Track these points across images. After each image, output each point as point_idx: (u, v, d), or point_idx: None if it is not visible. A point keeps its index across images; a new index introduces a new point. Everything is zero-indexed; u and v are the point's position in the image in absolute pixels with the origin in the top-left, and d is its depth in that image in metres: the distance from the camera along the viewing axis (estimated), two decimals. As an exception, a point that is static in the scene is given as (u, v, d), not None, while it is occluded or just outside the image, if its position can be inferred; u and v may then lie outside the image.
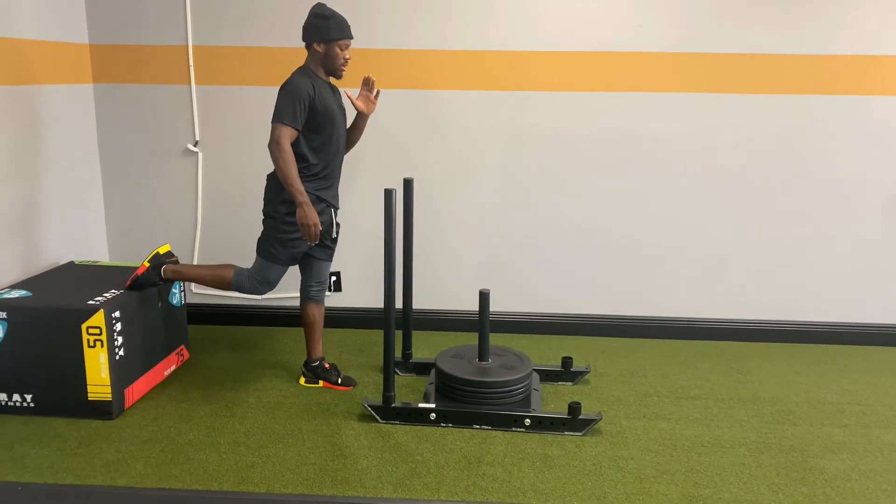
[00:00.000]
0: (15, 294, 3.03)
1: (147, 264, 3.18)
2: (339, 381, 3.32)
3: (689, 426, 2.99)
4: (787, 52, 3.68)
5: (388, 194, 2.83)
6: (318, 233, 2.97)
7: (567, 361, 3.41)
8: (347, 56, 3.03)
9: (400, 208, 3.27)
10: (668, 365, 3.64)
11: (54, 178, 3.61)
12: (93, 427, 2.91)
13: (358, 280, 4.07)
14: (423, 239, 3.83)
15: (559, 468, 2.65)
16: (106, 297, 3.01)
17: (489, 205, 3.94)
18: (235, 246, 4.00)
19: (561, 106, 3.80)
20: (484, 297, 3.10)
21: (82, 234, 3.88)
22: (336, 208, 3.21)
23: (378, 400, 3.02)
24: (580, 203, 3.91)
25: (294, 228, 3.00)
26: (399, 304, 3.29)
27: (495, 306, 3.41)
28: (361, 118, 3.21)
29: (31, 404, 2.98)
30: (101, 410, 2.96)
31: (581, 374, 3.43)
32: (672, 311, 4.01)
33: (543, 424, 2.93)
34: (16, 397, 2.98)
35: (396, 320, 3.06)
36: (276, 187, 3.03)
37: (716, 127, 3.79)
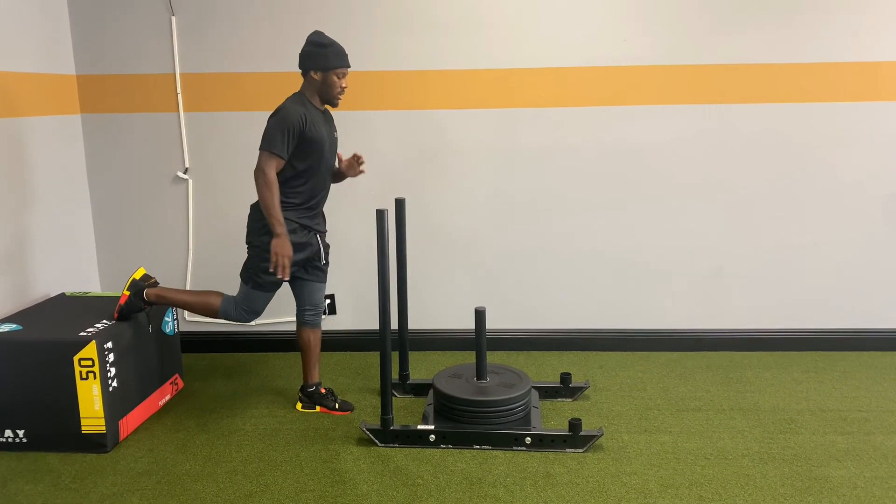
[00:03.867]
0: (5, 328, 2.99)
1: (127, 292, 3.14)
2: (337, 405, 3.28)
3: (691, 439, 2.96)
4: (773, 62, 3.70)
5: (380, 214, 2.81)
6: (288, 265, 2.93)
7: (566, 377, 3.38)
8: (344, 84, 3.03)
9: (392, 228, 3.25)
10: (667, 377, 3.62)
11: (44, 209, 3.58)
12: (87, 461, 2.86)
13: (353, 303, 4.05)
14: (417, 258, 3.81)
15: (562, 486, 2.62)
16: (98, 327, 2.98)
17: (481, 222, 3.94)
18: (228, 272, 3.97)
19: (550, 122, 3.81)
20: (480, 314, 3.07)
21: (73, 265, 3.84)
22: (323, 232, 3.19)
23: (376, 423, 2.98)
24: (572, 218, 3.91)
25: None
26: (395, 324, 3.27)
27: (491, 324, 3.39)
28: (343, 176, 3.26)
29: (24, 440, 2.93)
30: (96, 443, 2.92)
31: (580, 389, 3.41)
32: (670, 323, 4.00)
33: (544, 442, 2.90)
34: (7, 433, 2.93)
35: (392, 341, 3.03)
36: (259, 216, 3.00)
37: (704, 137, 3.80)
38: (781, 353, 3.92)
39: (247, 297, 3.10)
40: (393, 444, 2.94)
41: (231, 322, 3.27)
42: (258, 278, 3.05)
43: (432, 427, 2.95)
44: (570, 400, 3.38)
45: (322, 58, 2.95)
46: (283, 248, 2.90)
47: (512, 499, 2.54)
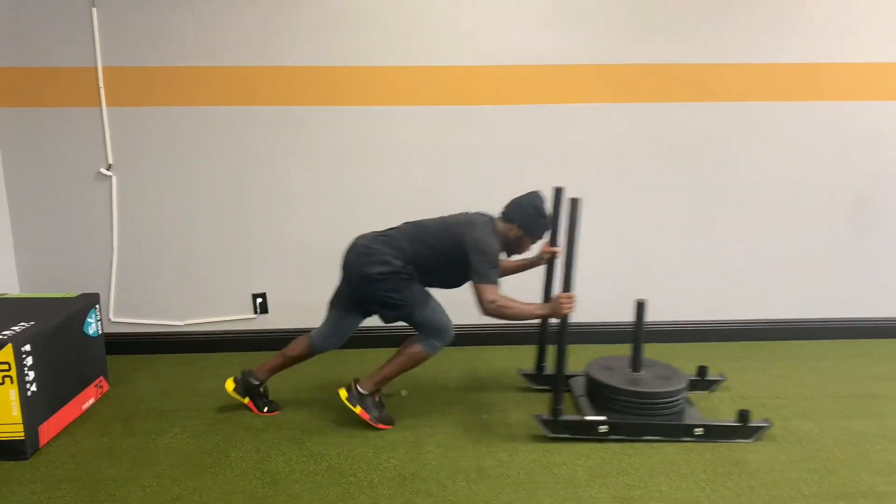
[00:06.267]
0: (-87, 332, 2.85)
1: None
2: (266, 409, 3.24)
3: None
4: (702, 62, 3.83)
5: (574, 203, 2.82)
6: (572, 300, 2.88)
7: (702, 370, 3.44)
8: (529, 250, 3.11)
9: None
10: None
11: (-45, 207, 3.42)
12: (4, 469, 2.74)
13: (285, 301, 4.00)
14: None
15: (493, 479, 2.65)
16: (15, 330, 2.86)
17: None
18: (155, 270, 3.89)
19: (479, 118, 3.85)
20: (640, 306, 3.08)
21: (-12, 266, 3.68)
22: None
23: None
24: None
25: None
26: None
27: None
28: (533, 264, 3.32)
29: (-65, 449, 2.80)
30: (14, 450, 2.80)
31: (717, 382, 3.46)
32: (601, 317, 4.09)
33: (714, 433, 2.92)
34: (-83, 442, 2.79)
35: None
36: (401, 286, 2.98)
37: (635, 135, 3.91)
38: (709, 345, 4.09)
39: (431, 321, 3.03)
40: (562, 435, 2.93)
41: (436, 349, 3.08)
42: (417, 299, 3.01)
43: (603, 418, 2.93)
44: (707, 392, 3.41)
45: (538, 227, 3.06)
46: (562, 307, 2.87)
47: (444, 493, 2.56)
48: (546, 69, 3.80)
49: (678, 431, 2.94)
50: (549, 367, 3.46)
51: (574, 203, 2.82)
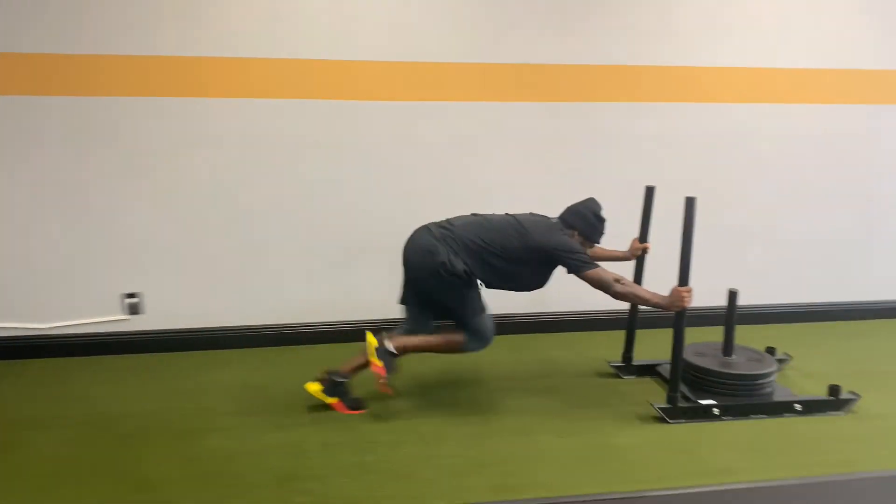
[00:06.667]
0: None
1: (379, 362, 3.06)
2: (353, 407, 3.19)
3: (502, 419, 3.12)
4: (554, 63, 3.96)
5: (689, 202, 2.98)
6: (691, 293, 3.00)
7: (771, 350, 3.70)
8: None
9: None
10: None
11: None
12: None
13: (157, 302, 3.86)
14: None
15: (375, 474, 2.66)
16: None
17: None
18: (18, 272, 3.66)
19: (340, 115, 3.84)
20: (732, 295, 3.31)
21: None
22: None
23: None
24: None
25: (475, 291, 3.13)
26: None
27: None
28: (622, 258, 3.51)
29: None
30: None
31: (784, 361, 3.74)
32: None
33: (811, 408, 3.19)
34: None
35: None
36: (463, 291, 3.08)
37: (491, 132, 3.99)
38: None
39: (481, 329, 3.14)
40: (680, 420, 3.09)
41: (473, 350, 3.20)
42: (475, 307, 3.13)
43: (715, 402, 3.15)
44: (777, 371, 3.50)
45: (597, 232, 3.24)
46: (682, 299, 2.98)
47: (326, 490, 2.55)
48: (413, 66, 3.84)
49: (781, 409, 3.19)
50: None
51: (689, 202, 2.99)
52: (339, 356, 3.35)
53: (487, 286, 3.17)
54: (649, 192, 3.50)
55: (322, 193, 3.89)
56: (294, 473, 2.66)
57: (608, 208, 3.23)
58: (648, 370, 3.66)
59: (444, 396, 3.36)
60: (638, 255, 3.51)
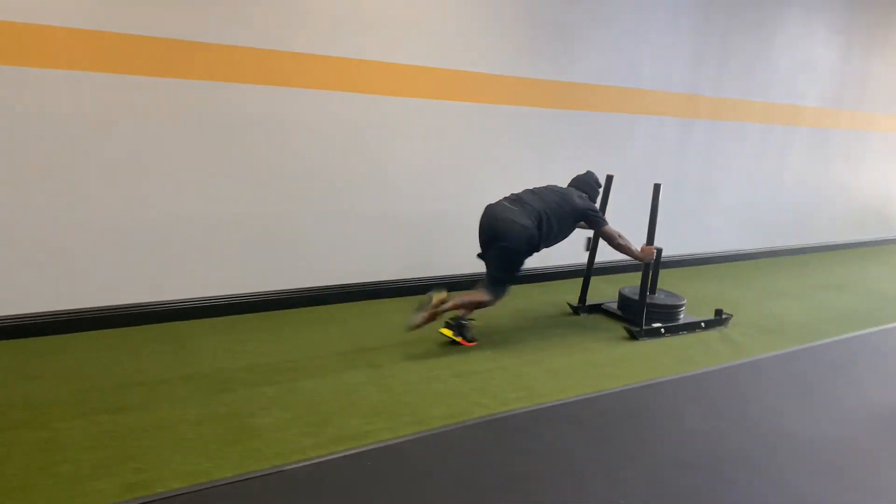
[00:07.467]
0: None
1: (455, 335, 3.86)
2: (474, 341, 3.91)
3: (131, 414, 2.90)
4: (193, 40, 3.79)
5: (657, 189, 4.23)
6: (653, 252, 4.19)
7: (719, 312, 4.70)
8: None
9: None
10: (112, 354, 3.53)
11: None
12: None
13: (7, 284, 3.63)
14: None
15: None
16: None
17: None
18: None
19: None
20: (658, 252, 4.29)
21: None
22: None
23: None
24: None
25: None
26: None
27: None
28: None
29: None
30: None
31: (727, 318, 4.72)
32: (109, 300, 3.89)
33: (709, 325, 4.44)
34: None
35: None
36: (522, 230, 3.72)
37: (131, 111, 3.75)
38: (228, 318, 4.15)
39: (508, 284, 3.86)
40: (646, 339, 4.16)
41: (498, 299, 3.88)
42: (517, 268, 3.84)
43: (661, 325, 4.28)
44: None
45: (597, 196, 4.29)
46: (651, 252, 4.15)
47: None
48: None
49: (693, 327, 4.40)
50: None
51: (656, 188, 4.18)
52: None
53: (537, 250, 3.87)
54: (609, 179, 4.62)
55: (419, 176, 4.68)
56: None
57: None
58: (597, 308, 4.75)
59: (64, 398, 3.05)
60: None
